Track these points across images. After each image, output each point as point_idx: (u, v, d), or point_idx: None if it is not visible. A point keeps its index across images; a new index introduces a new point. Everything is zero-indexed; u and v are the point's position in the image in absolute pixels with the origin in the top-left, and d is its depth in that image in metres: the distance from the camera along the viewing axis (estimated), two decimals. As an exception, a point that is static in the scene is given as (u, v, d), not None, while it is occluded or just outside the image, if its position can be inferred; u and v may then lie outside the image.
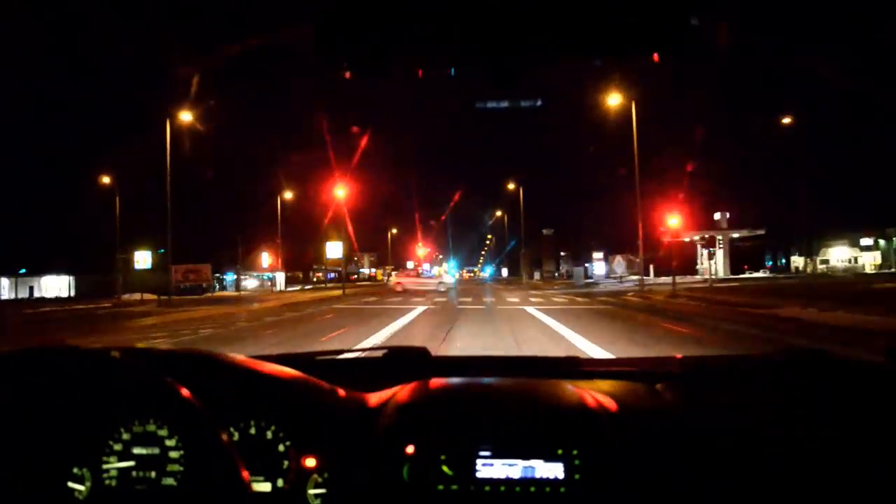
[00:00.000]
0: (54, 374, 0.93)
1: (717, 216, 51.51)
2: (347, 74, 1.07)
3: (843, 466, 1.07)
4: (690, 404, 1.26)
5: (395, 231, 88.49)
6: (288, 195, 53.82)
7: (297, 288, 65.03)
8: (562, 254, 77.28)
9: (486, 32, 1.01)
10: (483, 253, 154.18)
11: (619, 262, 52.46)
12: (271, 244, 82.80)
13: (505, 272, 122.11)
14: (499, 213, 75.09)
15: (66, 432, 1.17)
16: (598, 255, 54.49)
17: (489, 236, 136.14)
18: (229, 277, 67.57)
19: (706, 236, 54.79)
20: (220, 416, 0.85)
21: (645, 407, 1.26)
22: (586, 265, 52.44)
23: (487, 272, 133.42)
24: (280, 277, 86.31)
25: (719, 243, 50.60)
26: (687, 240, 56.53)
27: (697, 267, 55.14)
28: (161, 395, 0.84)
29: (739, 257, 51.32)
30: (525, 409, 1.17)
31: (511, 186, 51.17)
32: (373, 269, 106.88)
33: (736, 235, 49.05)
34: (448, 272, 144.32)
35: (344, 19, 1.05)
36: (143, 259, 44.52)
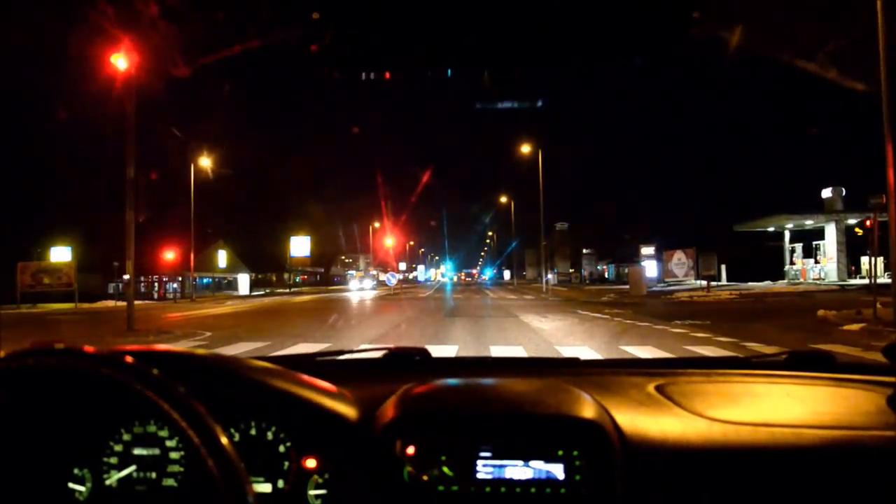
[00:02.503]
0: (54, 374, 0.92)
1: (825, 192, 35.51)
2: (337, 74, 0.86)
3: (844, 467, 1.07)
4: (690, 405, 1.24)
5: (377, 225, 73.43)
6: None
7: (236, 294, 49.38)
8: (585, 251, 61.37)
9: (484, 36, 0.79)
10: (483, 254, 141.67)
11: (680, 261, 36.79)
12: (216, 237, 69.24)
13: (507, 274, 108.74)
14: (503, 200, 59.46)
15: (66, 433, 1.18)
16: (647, 250, 38.89)
17: (490, 233, 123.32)
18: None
19: (808, 223, 39.41)
20: (220, 417, 0.85)
21: (645, 407, 1.23)
22: (641, 265, 36.77)
23: (487, 275, 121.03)
24: (243, 280, 71.56)
25: (835, 233, 34.55)
26: (771, 230, 40.71)
27: (787, 269, 39.25)
28: (161, 396, 0.84)
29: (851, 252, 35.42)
30: (525, 410, 1.16)
31: (526, 149, 35.36)
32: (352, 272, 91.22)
33: (854, 221, 32.87)
34: (444, 274, 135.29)
35: (339, 22, 0.81)
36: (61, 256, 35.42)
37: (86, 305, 30.85)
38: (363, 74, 1.29)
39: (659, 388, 1.33)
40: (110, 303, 34.72)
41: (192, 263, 37.79)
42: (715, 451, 1.09)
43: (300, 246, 66.60)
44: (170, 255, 40.40)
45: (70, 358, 0.86)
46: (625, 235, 48.93)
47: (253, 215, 70.77)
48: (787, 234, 39.55)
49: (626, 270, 38.84)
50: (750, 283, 35.17)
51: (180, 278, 58.22)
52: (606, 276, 62.47)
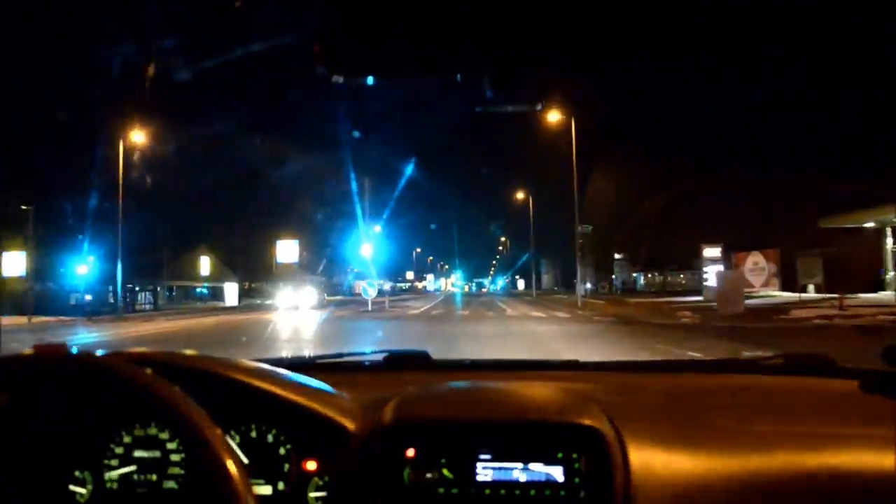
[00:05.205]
0: (55, 377, 0.96)
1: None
2: (341, 79, 1.04)
3: (842, 468, 1.07)
4: (689, 407, 1.26)
5: (378, 229, 65.33)
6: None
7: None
8: (617, 256, 52.50)
9: (490, 36, 0.98)
10: (494, 262, 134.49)
11: (757, 266, 28.16)
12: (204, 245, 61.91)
13: (521, 284, 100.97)
14: (520, 196, 51.00)
15: (67, 436, 1.19)
16: (711, 252, 29.90)
17: (503, 238, 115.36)
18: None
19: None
20: (221, 420, 0.88)
21: (644, 409, 1.24)
22: (705, 272, 28.12)
23: (499, 284, 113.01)
24: (230, 289, 63.32)
25: None
26: (868, 225, 31.67)
27: (886, 277, 30.15)
28: (162, 399, 0.86)
29: None
30: (525, 413, 1.17)
31: (554, 117, 26.84)
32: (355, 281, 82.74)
33: None
34: (455, 284, 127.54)
35: (344, 23, 0.99)
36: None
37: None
38: (364, 79, 1.00)
39: (660, 391, 1.34)
40: (21, 319, 26.47)
41: (119, 271, 29.26)
42: (715, 452, 1.08)
43: (287, 251, 58.33)
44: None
45: (71, 360, 0.87)
46: (675, 234, 40.00)
47: (244, 219, 63.14)
48: (889, 232, 30.53)
49: (679, 277, 30.01)
50: (861, 295, 26.28)
51: (151, 288, 51.10)
52: (636, 286, 53.87)
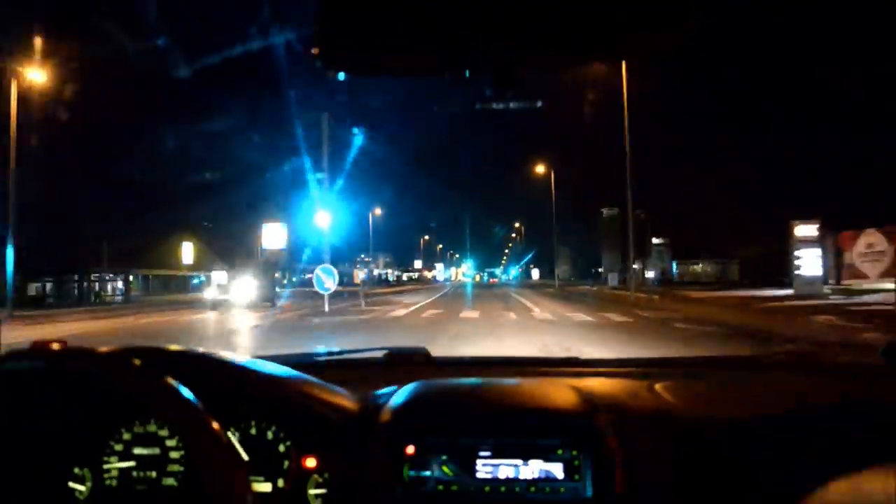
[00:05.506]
0: (54, 373, 0.97)
1: None
2: (342, 75, 1.07)
3: (839, 467, 1.07)
4: (689, 404, 1.27)
5: (378, 212, 58.85)
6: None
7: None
8: (655, 242, 45.00)
9: (490, 36, 1.00)
10: (507, 251, 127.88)
11: (872, 250, 20.48)
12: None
13: (535, 273, 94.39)
14: (541, 169, 43.55)
15: (66, 432, 1.19)
16: (805, 230, 22.21)
17: (517, 224, 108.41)
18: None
19: None
20: (220, 417, 0.89)
21: (644, 407, 1.25)
22: (797, 256, 20.95)
23: (512, 273, 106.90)
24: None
25: None
26: None
27: None
28: (161, 395, 0.88)
29: None
30: (525, 409, 1.19)
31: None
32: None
33: None
34: (466, 274, 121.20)
35: (344, 20, 0.99)
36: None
37: None
38: (366, 76, 1.10)
39: (661, 388, 1.33)
40: None
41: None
42: (712, 451, 1.09)
43: (273, 235, 51.48)
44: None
45: (70, 357, 0.88)
46: (714, 217, 32.57)
47: (235, 204, 56.81)
48: None
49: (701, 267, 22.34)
50: None
51: (117, 276, 45.19)
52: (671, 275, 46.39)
